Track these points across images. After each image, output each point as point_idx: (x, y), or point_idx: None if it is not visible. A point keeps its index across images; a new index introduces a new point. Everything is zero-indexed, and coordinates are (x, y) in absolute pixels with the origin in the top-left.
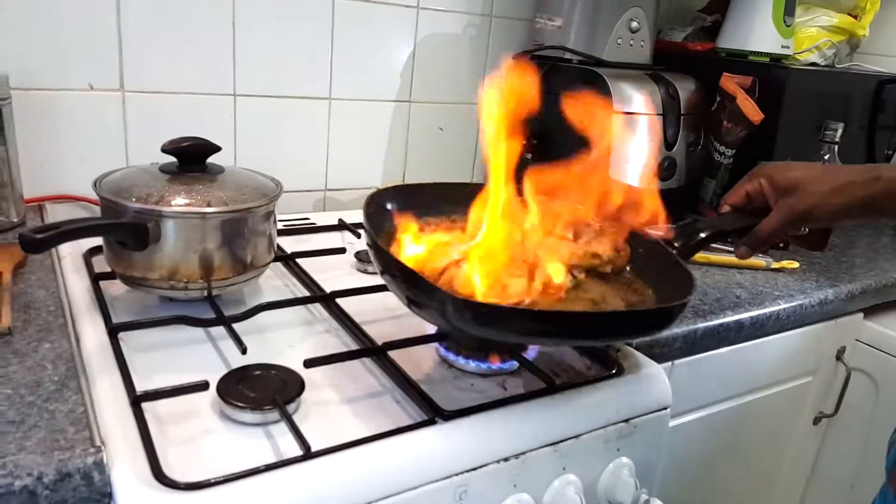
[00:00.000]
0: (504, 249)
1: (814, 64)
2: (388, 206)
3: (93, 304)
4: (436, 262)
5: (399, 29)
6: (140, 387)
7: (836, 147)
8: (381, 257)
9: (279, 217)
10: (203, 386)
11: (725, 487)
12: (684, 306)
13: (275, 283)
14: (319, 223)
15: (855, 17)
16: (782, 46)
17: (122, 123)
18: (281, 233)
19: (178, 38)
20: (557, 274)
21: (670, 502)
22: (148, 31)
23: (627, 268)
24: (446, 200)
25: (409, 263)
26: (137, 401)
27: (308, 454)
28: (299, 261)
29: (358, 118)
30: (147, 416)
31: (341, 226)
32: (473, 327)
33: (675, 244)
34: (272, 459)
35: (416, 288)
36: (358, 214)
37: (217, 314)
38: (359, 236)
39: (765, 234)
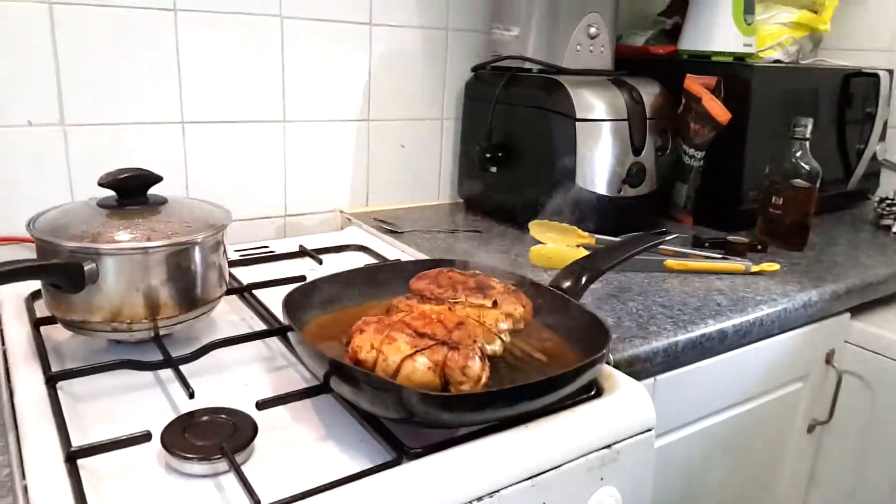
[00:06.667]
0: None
1: (777, 61)
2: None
3: (32, 352)
4: (388, 358)
5: (352, 46)
6: (79, 440)
7: (808, 143)
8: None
9: (236, 247)
10: (145, 437)
11: None
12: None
13: (231, 318)
14: (279, 251)
15: (815, 13)
16: (745, 45)
17: (64, 159)
18: (237, 263)
19: (120, 67)
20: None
21: None
22: (87, 62)
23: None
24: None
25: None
26: (72, 457)
27: None
28: (256, 292)
29: (315, 140)
30: (84, 473)
31: (302, 252)
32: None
33: (564, 287)
34: None
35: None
36: (321, 239)
37: (164, 355)
38: (321, 262)
39: None
